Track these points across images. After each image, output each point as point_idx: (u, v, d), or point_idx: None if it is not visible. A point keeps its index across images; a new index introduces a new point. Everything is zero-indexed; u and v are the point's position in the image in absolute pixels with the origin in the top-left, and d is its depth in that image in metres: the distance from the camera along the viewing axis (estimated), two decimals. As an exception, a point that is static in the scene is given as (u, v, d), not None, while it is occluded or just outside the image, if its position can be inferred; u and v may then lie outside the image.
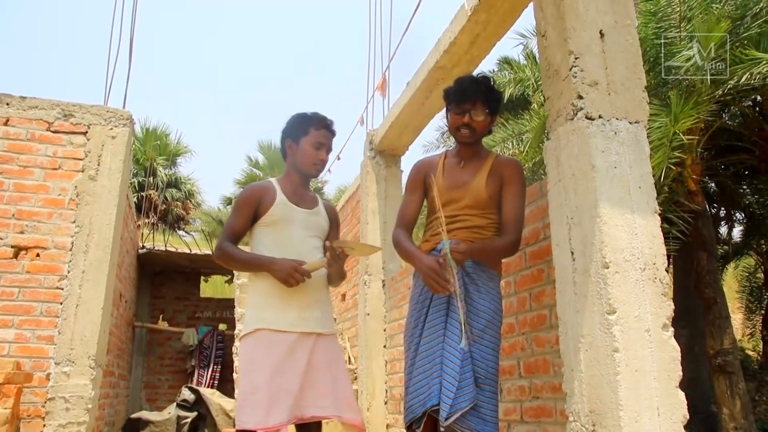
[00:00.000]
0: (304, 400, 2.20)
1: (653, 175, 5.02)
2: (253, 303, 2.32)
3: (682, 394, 2.01)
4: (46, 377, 3.84)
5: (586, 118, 2.19)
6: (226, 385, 7.44)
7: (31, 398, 3.77)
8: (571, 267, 2.15)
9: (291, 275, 2.19)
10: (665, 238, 5.54)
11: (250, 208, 2.37)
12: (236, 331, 5.96)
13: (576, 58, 2.26)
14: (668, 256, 6.84)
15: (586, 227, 2.11)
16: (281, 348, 2.21)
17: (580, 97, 2.22)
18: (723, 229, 9.46)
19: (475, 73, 3.74)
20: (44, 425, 3.75)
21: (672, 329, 2.06)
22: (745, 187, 7.81)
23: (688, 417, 1.99)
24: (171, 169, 17.34)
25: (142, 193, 15.24)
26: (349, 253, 2.32)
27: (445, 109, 2.52)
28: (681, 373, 2.03)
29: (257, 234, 2.40)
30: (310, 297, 2.31)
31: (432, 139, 12.59)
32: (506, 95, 7.36)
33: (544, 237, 2.66)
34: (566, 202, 2.22)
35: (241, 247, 2.38)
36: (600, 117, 2.20)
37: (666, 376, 2.00)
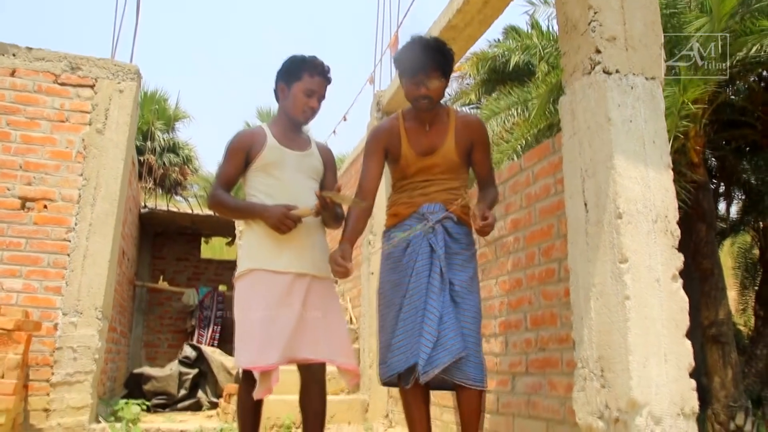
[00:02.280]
0: (297, 341, 2.19)
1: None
2: (247, 246, 2.31)
3: (688, 343, 2.06)
4: (54, 327, 3.88)
5: (604, 72, 2.20)
6: (225, 346, 7.52)
7: (39, 347, 3.81)
8: (584, 218, 2.19)
9: (282, 222, 2.18)
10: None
11: (240, 154, 2.35)
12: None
13: (595, 13, 2.26)
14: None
15: (600, 179, 2.13)
16: (276, 288, 2.20)
17: (598, 52, 2.22)
18: (721, 206, 9.52)
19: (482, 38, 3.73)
20: (52, 373, 3.81)
21: (681, 280, 2.11)
22: (745, 163, 7.85)
23: (693, 365, 2.05)
24: (169, 134, 17.22)
25: (140, 158, 15.17)
26: (340, 202, 2.30)
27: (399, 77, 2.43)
28: (688, 323, 2.08)
29: (250, 179, 2.38)
30: (305, 239, 2.30)
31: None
32: (512, 63, 7.33)
33: (555, 192, 2.69)
34: (581, 155, 2.24)
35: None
36: (617, 71, 2.21)
37: (674, 325, 2.05)
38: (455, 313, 2.19)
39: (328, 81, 2.43)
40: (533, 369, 2.77)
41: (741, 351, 8.48)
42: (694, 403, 2.01)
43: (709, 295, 6.41)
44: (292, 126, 2.43)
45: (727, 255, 12.09)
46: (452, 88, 10.77)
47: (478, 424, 2.19)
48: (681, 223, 6.77)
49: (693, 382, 2.04)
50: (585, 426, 2.11)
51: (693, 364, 2.05)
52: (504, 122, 7.02)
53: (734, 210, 9.56)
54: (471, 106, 10.49)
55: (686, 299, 2.09)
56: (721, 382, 6.34)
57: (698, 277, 6.49)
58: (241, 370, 2.31)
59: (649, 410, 1.94)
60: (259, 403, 2.31)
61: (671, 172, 2.18)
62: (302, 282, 2.26)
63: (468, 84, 10.50)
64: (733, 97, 6.77)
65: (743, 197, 8.67)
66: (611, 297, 2.04)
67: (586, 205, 2.19)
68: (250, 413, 2.30)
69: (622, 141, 2.12)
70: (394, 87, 4.79)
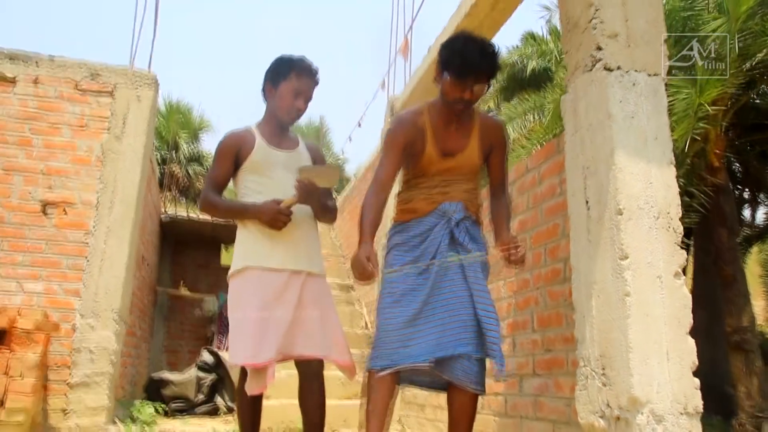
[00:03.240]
0: (292, 338, 2.20)
1: (676, 147, 4.98)
2: (241, 244, 2.33)
3: (692, 341, 2.03)
4: (72, 329, 3.96)
5: (605, 68, 2.20)
6: (244, 352, 7.58)
7: (59, 348, 3.89)
8: (586, 215, 2.18)
9: (276, 218, 2.20)
10: (685, 211, 5.51)
11: (229, 156, 2.36)
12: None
13: (596, 10, 2.26)
14: (689, 233, 6.76)
15: (601, 176, 2.12)
16: (270, 286, 2.21)
17: (599, 48, 2.22)
18: (747, 212, 9.34)
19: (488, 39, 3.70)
20: (71, 374, 3.88)
21: (684, 278, 2.09)
22: (770, 168, 7.71)
23: (696, 363, 2.02)
24: (193, 144, 17.52)
25: (165, 168, 15.44)
26: (319, 183, 2.27)
27: (439, 70, 2.23)
28: (691, 321, 2.05)
29: (241, 180, 2.39)
30: (298, 236, 2.31)
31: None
32: (529, 69, 7.31)
33: (560, 192, 2.68)
34: (582, 153, 2.24)
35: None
36: (618, 68, 2.21)
37: (677, 322, 2.02)
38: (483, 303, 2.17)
39: (316, 82, 2.43)
40: (540, 370, 2.75)
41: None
42: (697, 402, 1.98)
43: (732, 302, 6.28)
44: (279, 126, 2.43)
45: (755, 262, 11.81)
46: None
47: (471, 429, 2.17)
48: (702, 231, 6.67)
49: (697, 381, 2.01)
50: (587, 425, 2.09)
51: (696, 362, 2.02)
52: (521, 127, 7.01)
53: (761, 216, 9.38)
54: (490, 113, 10.48)
55: (689, 296, 2.07)
56: (747, 391, 6.19)
57: (720, 284, 6.37)
58: (239, 368, 2.32)
59: (651, 408, 1.91)
60: (258, 399, 2.33)
61: (674, 169, 2.16)
62: (297, 279, 2.27)
63: (487, 92, 10.50)
64: (757, 100, 6.66)
65: (770, 202, 8.51)
66: (612, 294, 2.03)
67: (587, 202, 2.19)
68: (248, 409, 2.33)
69: (623, 137, 2.11)
70: (407, 91, 4.82)
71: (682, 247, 2.11)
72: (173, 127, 16.70)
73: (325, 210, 2.39)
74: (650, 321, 1.98)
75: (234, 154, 2.35)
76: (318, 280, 2.35)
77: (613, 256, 2.03)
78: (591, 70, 2.22)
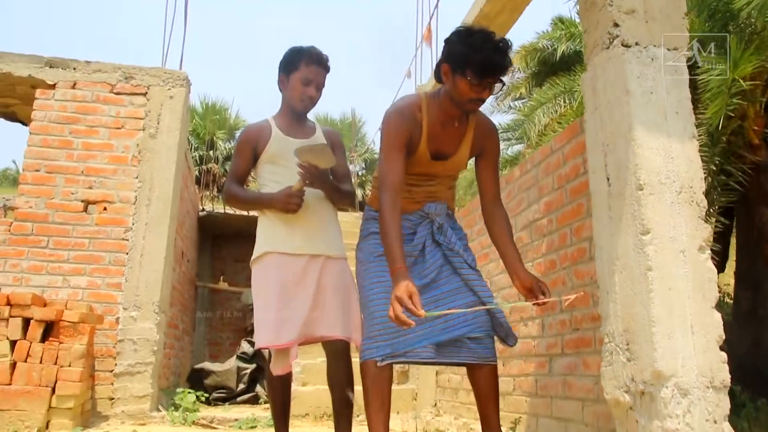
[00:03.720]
0: (314, 321, 2.27)
1: (711, 125, 4.85)
2: (262, 231, 2.40)
3: (718, 315, 2.02)
4: (116, 321, 4.14)
5: (622, 45, 2.18)
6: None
7: (103, 340, 4.07)
8: (607, 192, 2.18)
9: (288, 202, 2.27)
10: (723, 189, 5.37)
11: (247, 149, 2.45)
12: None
13: (613, -14, 2.24)
14: (730, 213, 6.58)
15: (620, 152, 2.12)
16: (290, 270, 2.28)
17: (616, 25, 2.21)
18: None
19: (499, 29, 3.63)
20: (116, 364, 4.06)
21: (709, 251, 2.07)
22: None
23: (723, 337, 2.00)
24: (230, 142, 17.83)
25: (203, 166, 15.75)
26: (320, 164, 2.31)
27: (449, 67, 2.07)
28: (717, 294, 2.04)
29: (261, 171, 2.47)
30: (314, 221, 2.37)
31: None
32: (558, 53, 7.23)
33: (584, 172, 2.67)
34: (602, 130, 2.23)
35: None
36: (636, 44, 2.19)
37: (701, 296, 2.01)
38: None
39: (326, 70, 2.48)
40: (568, 349, 2.75)
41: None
42: (725, 376, 1.97)
43: (774, 282, 6.11)
44: (295, 115, 2.50)
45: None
46: (502, 82, 10.66)
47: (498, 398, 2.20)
48: (744, 211, 6.49)
49: (724, 355, 1.99)
50: (612, 400, 2.10)
51: (723, 336, 2.00)
52: (552, 112, 6.94)
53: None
54: (522, 100, 10.38)
55: (714, 270, 2.05)
56: (791, 372, 6.02)
57: (761, 263, 6.21)
58: (269, 352, 2.39)
59: (676, 382, 1.91)
60: (287, 383, 2.40)
61: (696, 143, 2.14)
62: (316, 263, 2.33)
63: (518, 78, 10.39)
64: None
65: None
66: (634, 269, 2.02)
67: (608, 179, 2.18)
68: (278, 390, 2.41)
69: (642, 113, 2.10)
70: (432, 81, 4.84)
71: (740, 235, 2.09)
72: (210, 127, 17.04)
73: (338, 193, 2.44)
74: (673, 295, 1.97)
75: (252, 147, 2.44)
76: (338, 262, 2.41)
77: (635, 231, 2.03)
78: (609, 47, 2.21)
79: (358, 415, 4.35)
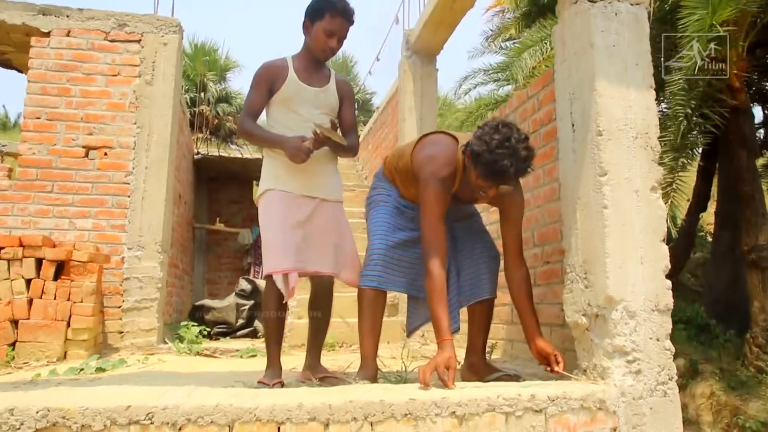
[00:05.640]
0: (306, 255, 2.49)
1: (689, 69, 4.99)
2: (266, 170, 2.59)
3: (665, 248, 2.27)
4: (122, 260, 4.38)
5: (588, 0, 2.35)
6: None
7: (110, 278, 4.33)
8: (572, 137, 2.39)
9: (296, 155, 2.41)
10: (701, 132, 5.55)
11: (265, 85, 2.54)
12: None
13: (582, -58, 2.39)
14: (711, 156, 6.77)
15: (585, 100, 2.32)
16: (288, 206, 2.48)
17: (585, -20, 2.37)
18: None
19: None
20: (123, 301, 4.33)
21: (660, 192, 2.31)
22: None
23: (669, 267, 2.26)
24: (221, 84, 17.69)
25: (195, 109, 15.72)
26: (330, 136, 2.46)
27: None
28: (666, 230, 2.29)
29: (272, 110, 2.60)
30: (313, 169, 2.54)
31: (477, 44, 12.41)
32: (547, -6, 7.24)
33: (556, 117, 2.87)
34: (569, 80, 2.43)
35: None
36: (602, -1, 2.36)
37: (652, 231, 2.26)
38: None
39: (351, 23, 2.56)
40: (540, 281, 3.03)
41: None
42: (668, 300, 2.24)
43: (749, 221, 6.38)
44: (313, 61, 2.60)
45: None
46: (493, 23, 10.62)
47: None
48: (720, 149, 6.68)
49: (668, 282, 2.26)
50: (572, 323, 2.38)
51: (669, 266, 2.26)
52: (540, 54, 7.03)
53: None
54: (513, 41, 10.36)
55: (664, 208, 2.29)
56: (761, 306, 6.37)
57: (739, 203, 6.47)
58: (266, 279, 2.58)
59: (625, 305, 2.18)
60: (282, 312, 2.59)
61: (653, 92, 2.34)
62: (311, 203, 2.54)
63: (509, 19, 10.35)
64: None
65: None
66: (592, 207, 2.27)
67: (573, 125, 2.40)
68: (274, 319, 2.56)
69: (605, 65, 2.29)
70: (420, 24, 4.95)
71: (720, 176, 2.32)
72: (200, 68, 16.88)
73: (342, 149, 2.59)
74: (627, 230, 2.22)
75: (269, 83, 2.53)
76: (333, 205, 2.61)
77: (594, 173, 2.26)
78: (576, 2, 2.38)
79: (351, 345, 4.70)
